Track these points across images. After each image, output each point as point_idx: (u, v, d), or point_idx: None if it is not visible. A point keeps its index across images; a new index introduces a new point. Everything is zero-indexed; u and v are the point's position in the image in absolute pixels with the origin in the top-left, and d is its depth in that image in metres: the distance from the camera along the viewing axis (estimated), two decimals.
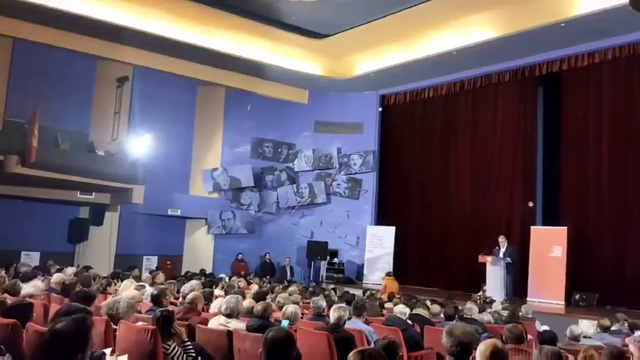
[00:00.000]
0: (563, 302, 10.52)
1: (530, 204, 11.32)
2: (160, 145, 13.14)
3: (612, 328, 6.22)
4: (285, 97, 15.05)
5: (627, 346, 4.25)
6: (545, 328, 7.67)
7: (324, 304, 5.74)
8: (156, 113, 13.25)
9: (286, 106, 15.05)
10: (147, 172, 12.70)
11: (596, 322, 6.39)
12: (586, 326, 6.32)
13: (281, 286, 9.11)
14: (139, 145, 12.71)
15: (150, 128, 12.93)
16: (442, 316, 6.46)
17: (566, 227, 10.95)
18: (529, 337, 5.82)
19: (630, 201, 10.50)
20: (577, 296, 10.42)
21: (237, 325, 4.66)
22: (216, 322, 4.79)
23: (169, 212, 13.63)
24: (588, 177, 11.17)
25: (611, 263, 10.55)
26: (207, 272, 12.29)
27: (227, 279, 10.12)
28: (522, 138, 12.42)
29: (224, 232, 14.36)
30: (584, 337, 5.50)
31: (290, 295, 6.48)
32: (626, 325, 6.68)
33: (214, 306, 5.58)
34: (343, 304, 5.23)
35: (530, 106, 12.43)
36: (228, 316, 4.77)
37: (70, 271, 8.61)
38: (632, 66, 10.67)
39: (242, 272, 12.97)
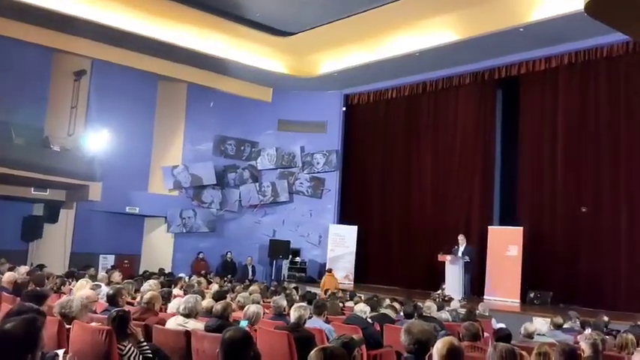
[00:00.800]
0: (518, 300, 10.84)
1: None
2: (118, 141, 12.78)
3: (565, 326, 6.42)
4: (249, 95, 14.95)
5: (579, 343, 4.42)
6: (501, 325, 7.86)
7: (284, 303, 5.72)
8: (115, 108, 12.90)
9: (250, 103, 14.96)
10: (104, 169, 12.38)
11: (549, 319, 6.59)
12: (540, 324, 6.51)
13: (242, 286, 9.04)
14: (97, 140, 12.36)
15: (108, 123, 12.56)
16: (402, 314, 6.54)
17: (522, 227, 11.28)
18: (485, 334, 5.98)
19: (583, 203, 10.87)
20: (532, 294, 10.73)
21: (195, 325, 4.60)
22: (174, 323, 4.71)
23: (127, 210, 13.33)
24: (543, 179, 11.51)
25: (564, 263, 10.91)
26: (166, 271, 12.08)
27: (187, 278, 9.98)
28: (482, 140, 12.72)
29: (184, 231, 14.15)
30: (538, 334, 5.67)
31: (251, 294, 6.44)
32: (578, 323, 6.92)
33: (172, 306, 5.49)
34: (304, 304, 5.24)
35: (490, 108, 12.75)
36: (187, 316, 4.71)
37: (23, 269, 8.32)
38: (587, 72, 11.07)
39: (202, 271, 12.81)
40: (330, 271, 12.45)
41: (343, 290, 10.45)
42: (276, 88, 15.29)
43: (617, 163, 10.47)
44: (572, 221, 10.97)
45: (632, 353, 4.51)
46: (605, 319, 7.01)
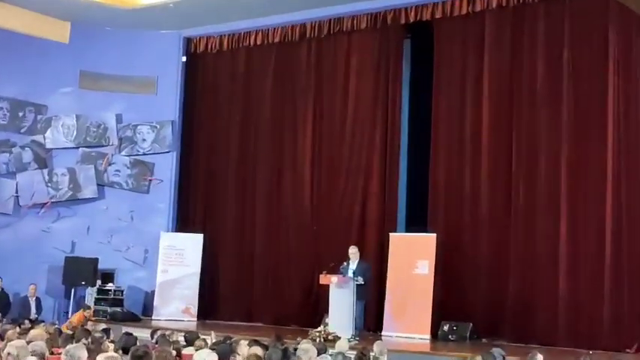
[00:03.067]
0: (428, 336, 11.41)
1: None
2: None
3: None
4: (33, 32, 14.29)
5: None
6: None
7: (84, 355, 5.55)
8: None
9: (33, 44, 14.35)
10: None
11: None
12: None
13: (18, 329, 8.62)
14: None
15: None
16: None
17: (434, 234, 11.90)
18: None
19: (515, 199, 11.66)
20: (446, 327, 11.36)
21: None
22: None
23: None
24: (464, 167, 12.19)
25: (489, 282, 11.67)
26: None
27: None
28: (382, 110, 13.14)
29: None
30: None
31: (30, 342, 6.16)
32: None
33: None
34: (116, 354, 5.12)
35: (394, 65, 13.17)
36: None
37: None
38: (521, 19, 11.85)
39: None
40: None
41: (178, 331, 10.35)
42: (76, 23, 14.70)
43: (558, 142, 11.32)
44: (501, 226, 11.75)
45: None
46: (539, 357, 7.63)
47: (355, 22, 13.22)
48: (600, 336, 10.49)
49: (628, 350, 10.19)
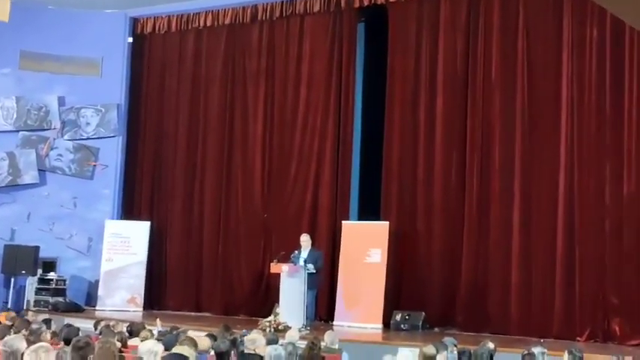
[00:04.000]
0: (380, 325, 11.50)
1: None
2: None
3: (438, 358, 6.94)
4: None
5: None
6: None
7: (23, 346, 5.41)
8: None
9: None
10: None
11: (417, 350, 7.08)
12: (405, 357, 6.95)
13: None
14: None
15: None
16: (212, 353, 6.58)
17: (387, 222, 11.99)
18: None
19: (469, 188, 11.79)
20: (398, 316, 11.45)
21: None
22: None
23: None
24: (417, 153, 12.26)
25: (442, 271, 11.80)
26: None
27: None
28: (336, 94, 13.16)
29: None
30: None
31: None
32: (455, 352, 7.52)
33: None
34: (46, 343, 4.99)
35: (347, 49, 13.17)
36: None
37: None
38: (477, 3, 11.88)
39: None
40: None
41: (122, 321, 10.22)
42: (17, 0, 14.27)
43: (513, 131, 11.45)
44: (455, 215, 11.86)
45: None
46: (491, 346, 7.71)
47: (308, 4, 13.18)
48: (552, 324, 10.73)
49: (579, 339, 10.39)
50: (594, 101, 10.82)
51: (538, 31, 11.44)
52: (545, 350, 7.73)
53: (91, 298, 14.10)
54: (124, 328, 9.04)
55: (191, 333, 7.77)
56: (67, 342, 6.22)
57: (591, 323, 10.50)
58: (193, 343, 6.58)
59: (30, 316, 11.15)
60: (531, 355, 7.04)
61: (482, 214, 11.60)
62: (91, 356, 5.30)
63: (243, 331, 8.61)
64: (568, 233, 10.81)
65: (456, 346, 7.75)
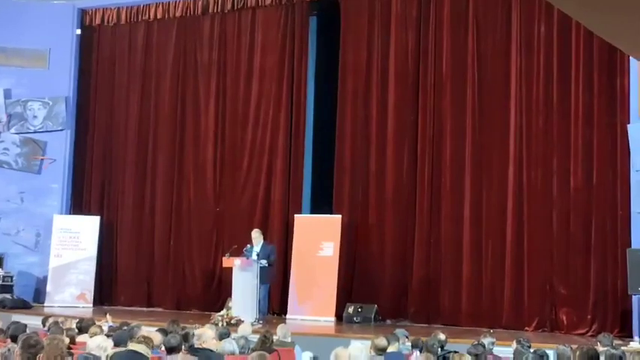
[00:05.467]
0: (333, 318, 11.66)
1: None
2: None
3: (390, 350, 7.06)
4: None
5: None
6: (309, 355, 8.40)
7: None
8: None
9: None
10: None
11: (369, 342, 7.19)
12: (357, 349, 7.04)
13: None
14: None
15: None
16: (163, 348, 6.58)
17: (340, 216, 12.13)
18: None
19: (421, 182, 11.96)
20: (350, 309, 11.60)
21: None
22: None
23: None
24: (369, 148, 12.40)
25: (394, 264, 11.97)
26: None
27: None
28: (288, 88, 13.22)
29: None
30: None
31: None
32: (407, 343, 7.67)
33: None
34: (3, 343, 4.97)
35: (300, 42, 13.24)
36: None
37: None
38: None
39: None
40: None
41: (72, 318, 10.14)
42: None
43: (463, 124, 11.66)
44: (406, 208, 12.04)
45: None
46: (442, 337, 7.89)
47: None
48: (501, 315, 11.05)
49: (527, 328, 10.74)
50: (542, 96, 11.11)
51: (488, 26, 11.66)
52: (494, 340, 7.96)
53: (40, 295, 13.90)
54: (73, 324, 8.98)
55: (142, 328, 7.78)
56: (14, 339, 6.19)
57: (539, 313, 10.85)
58: (149, 342, 6.57)
59: None
60: (480, 345, 7.21)
61: (433, 207, 11.81)
62: (40, 355, 5.29)
63: (195, 325, 8.65)
64: (517, 226, 11.10)
65: (407, 337, 7.91)
